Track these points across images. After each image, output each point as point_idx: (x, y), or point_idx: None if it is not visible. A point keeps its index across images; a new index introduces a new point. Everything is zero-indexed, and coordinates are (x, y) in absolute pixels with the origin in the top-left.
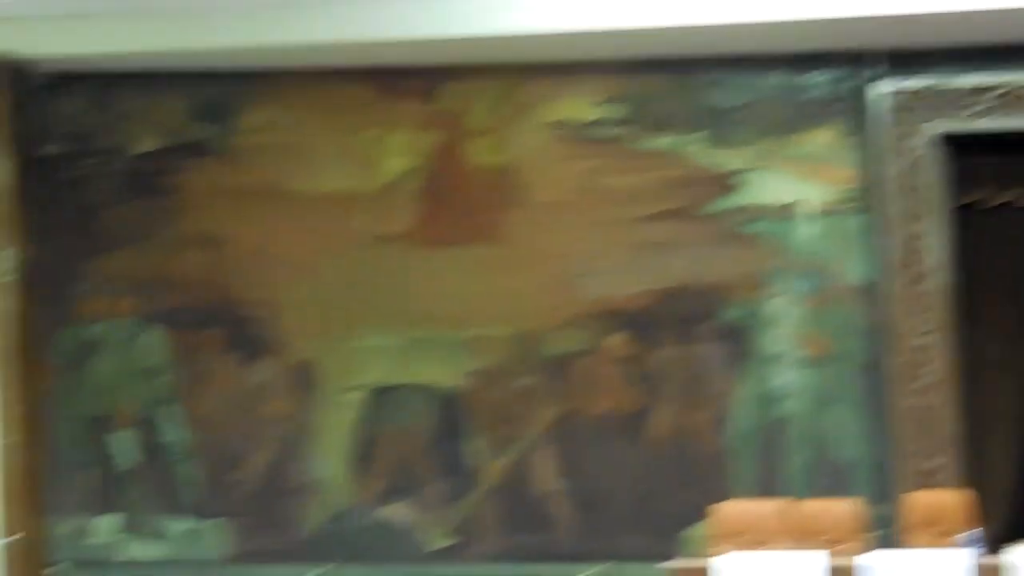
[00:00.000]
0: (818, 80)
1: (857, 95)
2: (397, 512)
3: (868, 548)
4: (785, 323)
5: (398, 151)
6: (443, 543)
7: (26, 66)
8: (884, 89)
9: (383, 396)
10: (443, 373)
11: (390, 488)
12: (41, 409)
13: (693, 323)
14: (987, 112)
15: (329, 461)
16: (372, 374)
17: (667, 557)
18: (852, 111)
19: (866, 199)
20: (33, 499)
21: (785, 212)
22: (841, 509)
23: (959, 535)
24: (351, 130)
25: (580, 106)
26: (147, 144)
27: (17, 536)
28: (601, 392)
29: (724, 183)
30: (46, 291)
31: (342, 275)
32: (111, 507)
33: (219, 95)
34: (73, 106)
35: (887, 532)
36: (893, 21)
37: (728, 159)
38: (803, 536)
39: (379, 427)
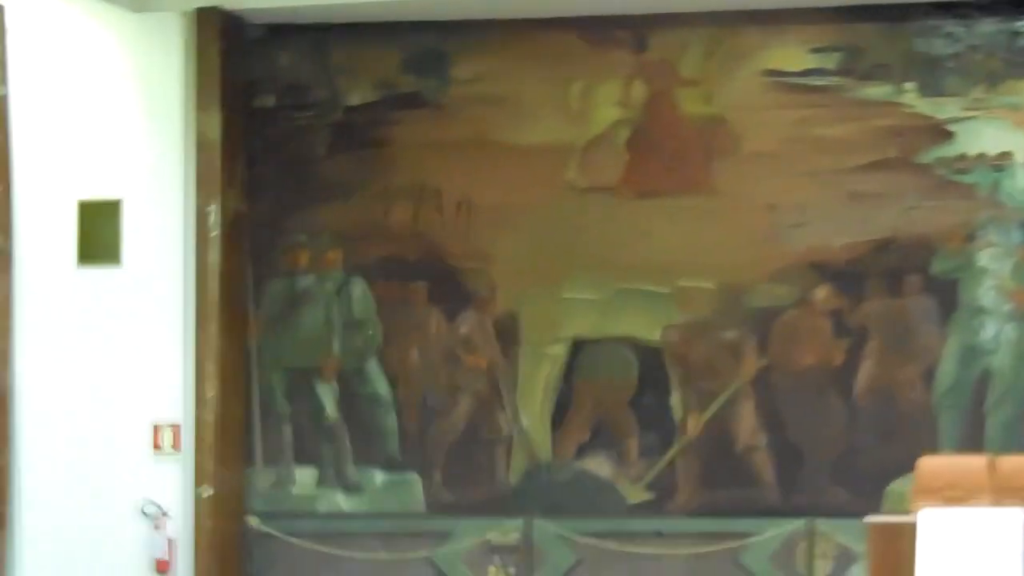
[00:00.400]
0: None
1: None
2: (597, 465)
3: None
4: (995, 275)
5: (607, 102)
6: (642, 497)
7: (240, 18)
8: None
9: (585, 349)
10: (646, 326)
11: (590, 441)
12: (246, 361)
13: (902, 275)
14: None
15: (530, 413)
16: (575, 327)
17: (868, 512)
18: None
19: None
20: (234, 451)
21: (999, 161)
22: None
23: None
24: (561, 81)
25: (792, 54)
26: (360, 96)
27: (209, 489)
28: (806, 346)
29: (937, 132)
30: (255, 244)
31: (549, 227)
32: (312, 459)
33: (431, 46)
34: (286, 58)
35: None
36: None
37: (941, 108)
38: (1005, 493)
39: (580, 380)
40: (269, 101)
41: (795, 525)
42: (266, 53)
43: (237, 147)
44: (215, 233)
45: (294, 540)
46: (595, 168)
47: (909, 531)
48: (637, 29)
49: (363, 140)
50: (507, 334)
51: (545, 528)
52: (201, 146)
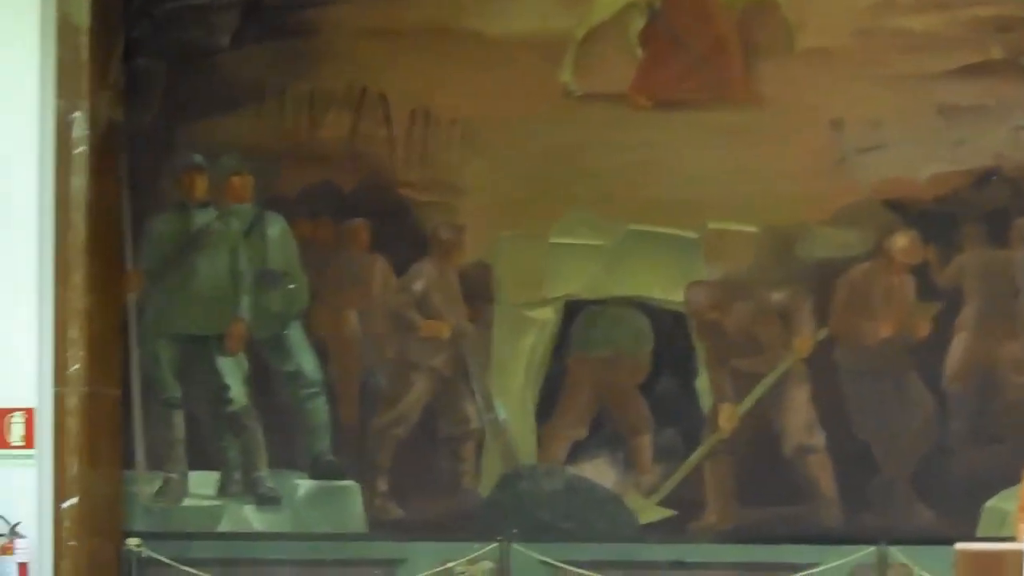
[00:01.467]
0: None
1: None
2: (597, 472)
3: None
4: None
5: None
6: (658, 515)
7: None
8: None
9: (583, 313)
10: (665, 283)
11: (588, 439)
12: (123, 326)
13: (1009, 218)
14: None
15: (508, 401)
16: (570, 283)
17: (960, 537)
18: None
19: None
20: (108, 448)
21: None
22: None
23: None
24: None
25: None
26: None
27: (75, 500)
28: (880, 312)
29: None
30: (136, 165)
31: (535, 147)
32: (213, 461)
33: None
34: None
35: None
36: None
37: None
38: None
39: (576, 356)
40: None
41: (863, 554)
42: None
43: (113, 34)
44: (81, 149)
45: (188, 569)
46: (598, 68)
47: (1013, 561)
48: None
49: (282, 26)
50: (478, 292)
51: (526, 556)
52: (63, 32)
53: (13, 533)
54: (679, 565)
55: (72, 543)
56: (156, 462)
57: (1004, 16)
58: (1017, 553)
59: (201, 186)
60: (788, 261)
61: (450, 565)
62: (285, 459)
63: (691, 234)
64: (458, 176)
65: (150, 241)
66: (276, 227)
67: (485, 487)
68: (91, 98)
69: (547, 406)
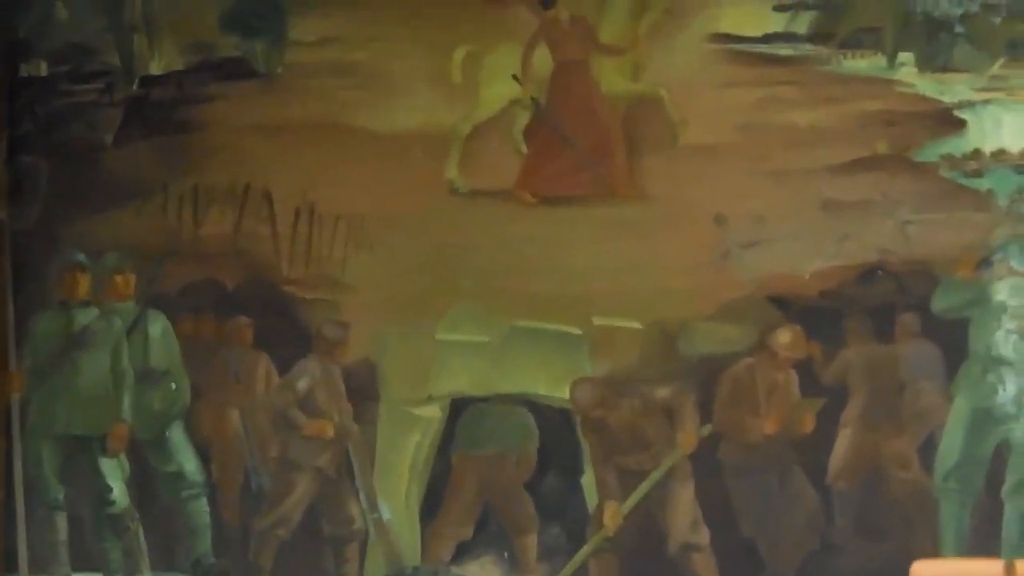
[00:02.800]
0: None
1: None
2: (482, 572)
3: None
4: (1016, 314)
5: (501, 75)
6: None
7: None
8: None
9: (468, 411)
10: (551, 380)
11: (473, 539)
12: (5, 427)
13: (893, 313)
14: None
15: (392, 500)
16: (456, 380)
17: None
18: None
19: None
20: None
21: (1022, 161)
22: None
23: None
24: (438, 45)
25: (751, 15)
26: (163, 63)
27: None
28: (764, 408)
29: (942, 121)
30: (17, 263)
31: (421, 244)
32: (95, 563)
33: None
34: (65, 9)
35: None
36: None
37: (948, 88)
38: None
39: (461, 454)
40: (40, 67)
41: None
42: (41, 6)
43: (2, 126)
44: None
45: None
46: (483, 164)
47: None
48: None
49: (166, 122)
50: (362, 390)
51: None
52: None
53: None
54: None
55: None
56: (40, 565)
57: (890, 110)
58: None
59: (84, 285)
60: (672, 357)
61: None
62: (166, 561)
63: (576, 330)
64: (343, 273)
65: (33, 341)
66: (158, 325)
67: None
68: None
69: (432, 505)
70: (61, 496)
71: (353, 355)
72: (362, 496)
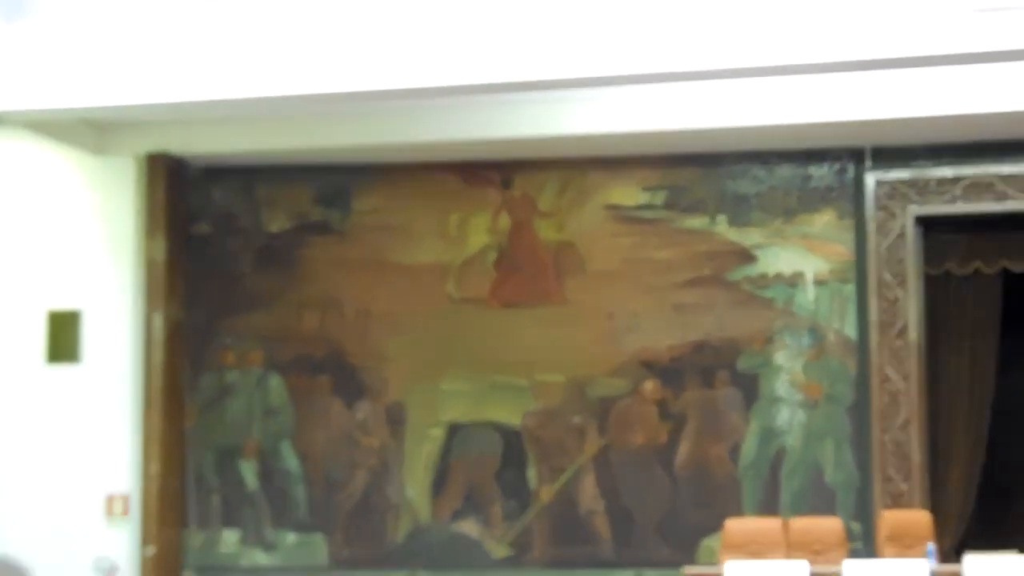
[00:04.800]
0: (821, 171)
1: (851, 184)
2: (467, 527)
3: (847, 558)
4: (788, 371)
5: (479, 229)
6: (504, 553)
7: (182, 160)
8: (873, 179)
9: (459, 431)
10: (509, 413)
11: (462, 507)
12: (183, 442)
13: (713, 371)
14: (957, 198)
15: (413, 485)
16: (451, 413)
17: (686, 564)
18: (848, 197)
19: (856, 270)
20: (171, 516)
21: (792, 280)
22: (827, 525)
23: (922, 547)
24: (442, 212)
25: (628, 192)
26: (278, 224)
27: (152, 548)
28: (636, 428)
29: (744, 256)
30: (191, 345)
31: (431, 331)
32: (236, 522)
33: (338, 184)
34: (220, 194)
35: (864, 545)
36: (881, 123)
37: (747, 236)
38: (795, 548)
39: (454, 457)
40: (205, 228)
41: (626, 575)
42: (203, 189)
43: (178, 266)
44: (159, 336)
45: None
46: (469, 283)
47: None
48: (504, 171)
49: (281, 260)
50: (396, 419)
51: None
52: (149, 266)
53: (116, 569)
54: None
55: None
56: (203, 524)
57: (712, 250)
58: (718, 574)
59: (231, 357)
60: (583, 398)
61: None
62: (280, 520)
63: (525, 382)
64: (384, 349)
65: (200, 391)
66: (275, 381)
67: (401, 537)
68: (165, 307)
69: (438, 488)
70: (216, 483)
71: (390, 399)
72: (396, 483)
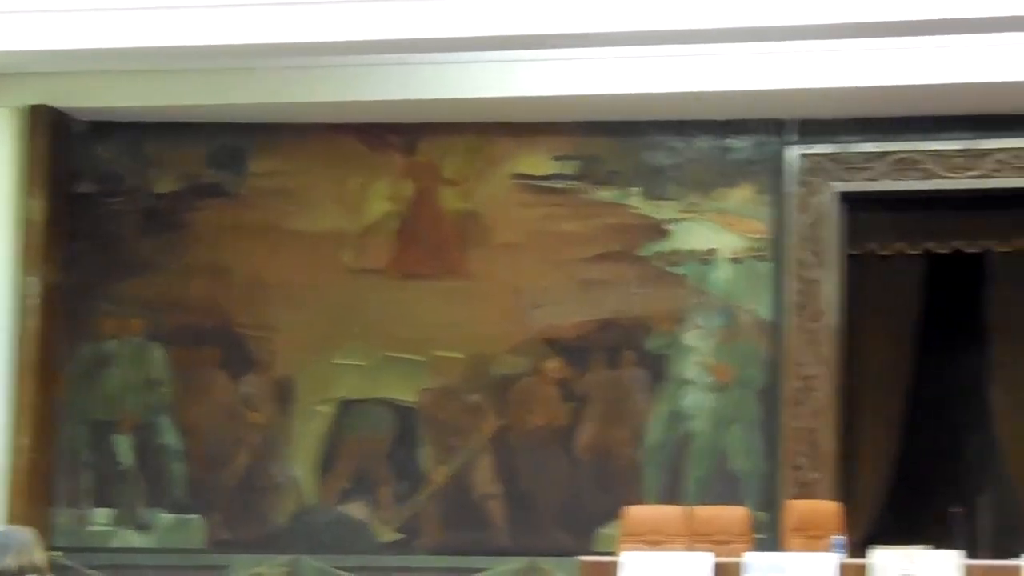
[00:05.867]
0: (740, 144)
1: (772, 158)
2: (355, 509)
3: (752, 549)
4: (698, 353)
5: (380, 197)
6: (393, 537)
7: (66, 115)
8: (795, 153)
9: (350, 408)
10: (403, 389)
11: (350, 488)
12: (55, 414)
13: (620, 351)
14: (882, 175)
15: (300, 464)
16: (342, 389)
17: (584, 552)
18: (767, 171)
19: (774, 248)
20: (39, 492)
21: (706, 257)
22: (731, 514)
23: (830, 539)
24: (341, 177)
25: (538, 161)
26: (167, 185)
27: (19, 526)
28: (537, 409)
29: (656, 230)
30: (68, 311)
31: (325, 303)
32: (109, 501)
33: (233, 145)
34: (107, 151)
35: (770, 535)
36: (805, 94)
37: (660, 210)
38: (698, 537)
39: (345, 435)
40: (89, 188)
41: (521, 563)
42: (88, 146)
43: (58, 227)
44: (34, 302)
45: (91, 572)
46: (368, 253)
47: (614, 569)
48: (407, 135)
49: (168, 223)
50: (284, 395)
51: (309, 564)
52: (26, 226)
53: None
54: (406, 569)
55: None
56: (74, 502)
57: (623, 224)
58: (616, 563)
59: (111, 325)
60: (482, 376)
61: (260, 571)
62: (155, 499)
63: (422, 358)
64: (276, 320)
65: (76, 360)
66: (157, 352)
67: (284, 519)
68: (42, 269)
69: (326, 468)
70: (90, 459)
71: (279, 372)
72: (281, 461)
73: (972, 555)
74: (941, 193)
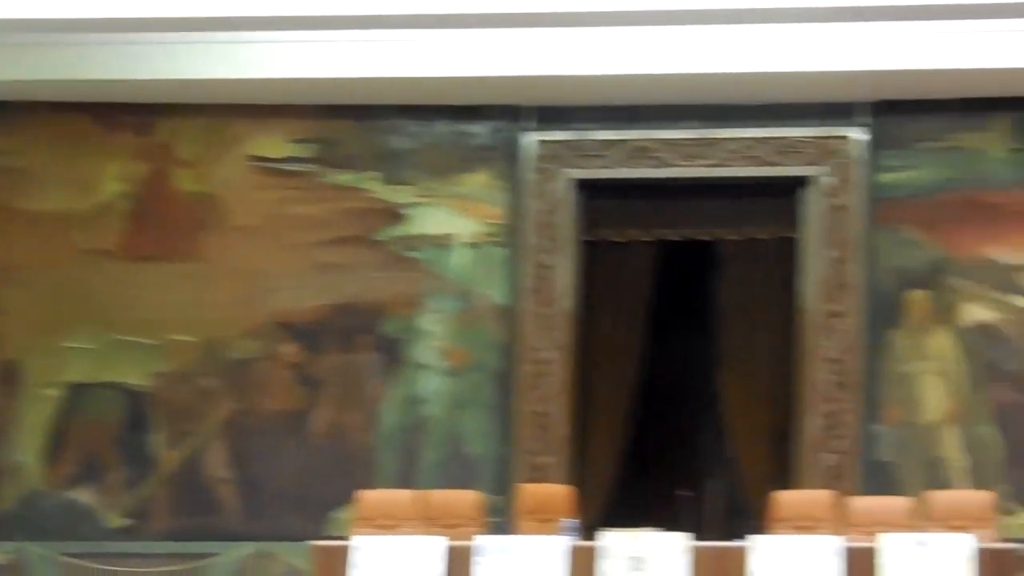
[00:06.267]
0: (478, 129)
1: (509, 144)
2: (83, 495)
3: (484, 533)
4: (434, 337)
5: (113, 177)
6: (122, 523)
7: None
8: (532, 139)
9: (79, 392)
10: (135, 373)
11: (78, 473)
12: None
13: (355, 335)
14: (617, 162)
15: (26, 448)
16: (71, 372)
17: (317, 537)
18: (504, 158)
19: (510, 233)
20: None
21: (442, 242)
22: (464, 498)
23: (561, 522)
24: (72, 157)
25: (274, 144)
26: None
27: None
28: (272, 393)
29: (393, 215)
30: None
31: (55, 284)
32: None
33: None
34: None
35: (504, 519)
36: (542, 81)
37: (397, 194)
38: (431, 522)
39: (73, 419)
40: None
41: (253, 548)
42: None
43: None
44: None
45: None
46: (99, 234)
47: (344, 553)
48: (141, 116)
49: None
50: (10, 378)
51: (34, 551)
52: None
53: None
54: (135, 555)
55: None
56: None
57: (360, 208)
58: (342, 547)
59: None
60: (217, 360)
61: None
62: None
63: (155, 342)
64: (3, 302)
65: None
66: None
67: (8, 505)
68: None
69: (55, 452)
70: None
71: (5, 356)
72: (7, 446)
73: (700, 537)
74: (674, 181)
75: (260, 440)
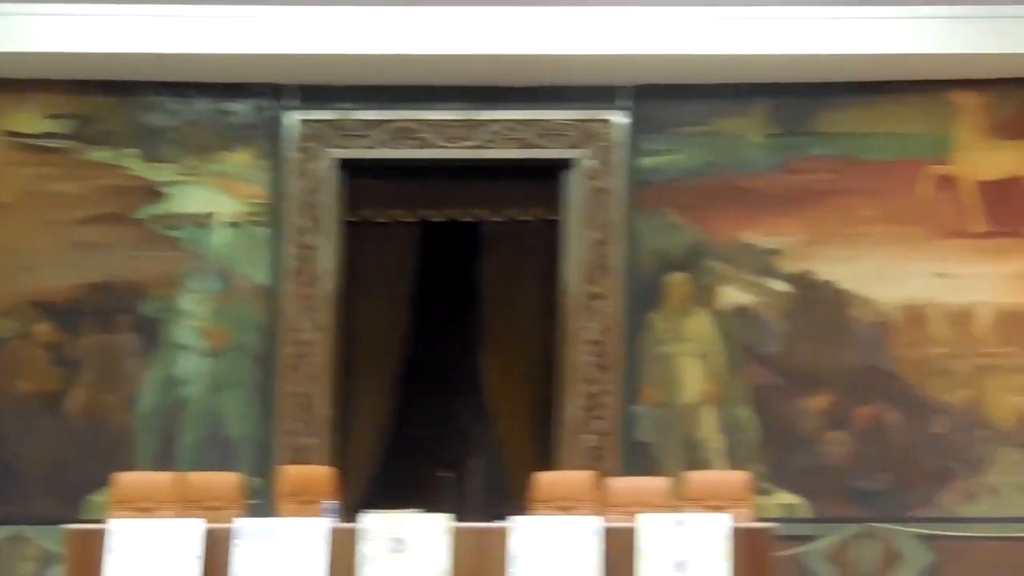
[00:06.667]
0: (239, 107)
1: (272, 122)
2: None
3: (244, 515)
4: (194, 317)
5: None
6: None
7: None
8: (294, 118)
9: None
10: None
11: None
12: None
13: (113, 314)
14: (380, 143)
15: None
16: None
17: (74, 521)
18: (266, 136)
19: (272, 213)
20: None
21: (203, 220)
22: (223, 480)
23: (322, 504)
24: None
25: (30, 119)
26: None
27: None
28: (25, 373)
29: (152, 192)
30: None
31: None
32: None
33: None
34: None
35: (265, 501)
36: (305, 60)
37: (157, 172)
38: (190, 504)
39: None
40: None
41: (5, 532)
42: None
43: None
44: None
45: None
46: None
47: (100, 537)
48: None
49: None
50: None
51: None
52: None
53: None
54: None
55: None
56: None
57: (119, 185)
58: (102, 531)
59: None
60: None
61: None
62: None
63: None
64: None
65: None
66: None
67: None
68: None
69: None
70: None
71: None
72: None
73: (461, 518)
74: (438, 162)
75: (13, 421)
